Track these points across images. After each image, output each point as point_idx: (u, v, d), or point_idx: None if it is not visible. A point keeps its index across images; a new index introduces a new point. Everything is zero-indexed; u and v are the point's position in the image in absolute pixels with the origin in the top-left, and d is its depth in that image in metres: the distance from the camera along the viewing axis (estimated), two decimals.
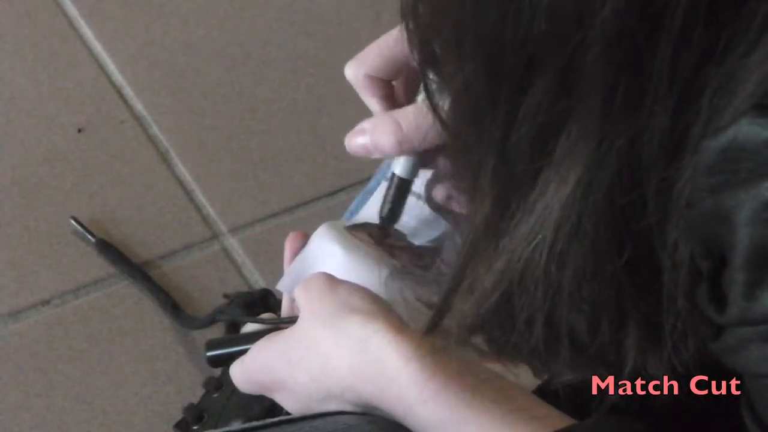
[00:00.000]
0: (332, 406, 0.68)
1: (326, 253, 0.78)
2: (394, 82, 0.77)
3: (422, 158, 0.76)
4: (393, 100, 0.76)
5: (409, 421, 0.65)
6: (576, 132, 0.48)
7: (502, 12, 0.47)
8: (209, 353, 0.78)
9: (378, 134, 0.73)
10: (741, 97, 0.45)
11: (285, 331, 0.72)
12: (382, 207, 0.77)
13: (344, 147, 0.76)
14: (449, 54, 0.52)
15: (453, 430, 0.63)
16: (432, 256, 0.80)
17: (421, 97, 0.74)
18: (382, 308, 0.68)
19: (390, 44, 0.75)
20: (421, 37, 0.54)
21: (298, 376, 0.69)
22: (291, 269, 0.80)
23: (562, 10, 0.45)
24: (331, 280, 0.70)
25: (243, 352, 0.74)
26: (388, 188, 0.77)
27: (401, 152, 0.75)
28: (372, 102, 0.76)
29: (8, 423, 1.11)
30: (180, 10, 1.50)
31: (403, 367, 0.64)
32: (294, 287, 0.79)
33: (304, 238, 0.81)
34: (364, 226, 0.81)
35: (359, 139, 0.74)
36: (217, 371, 1.03)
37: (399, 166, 0.76)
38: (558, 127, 0.48)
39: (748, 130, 0.45)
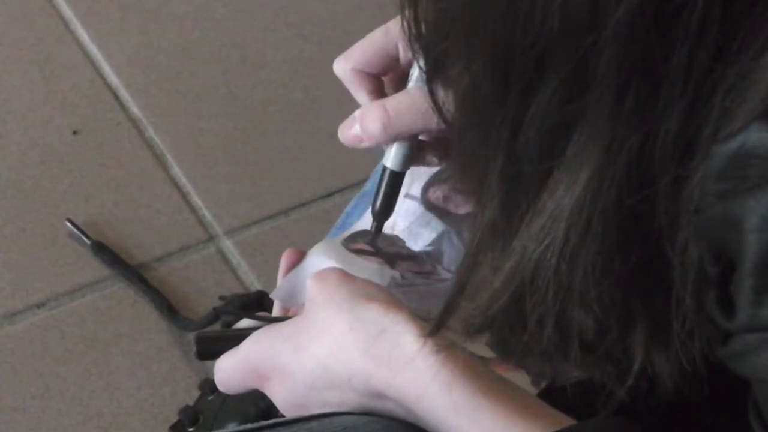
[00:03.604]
0: (332, 397, 0.68)
1: (324, 267, 0.78)
2: (383, 78, 0.77)
3: (413, 150, 0.75)
4: (382, 94, 0.76)
5: (420, 405, 0.64)
6: (587, 133, 0.48)
7: (513, 12, 0.47)
8: (199, 345, 0.77)
9: (366, 121, 0.73)
10: (752, 101, 0.45)
11: (292, 318, 0.72)
12: (374, 202, 0.77)
13: (340, 148, 0.76)
14: (456, 54, 0.51)
15: (466, 416, 0.63)
16: (432, 262, 0.79)
17: (411, 84, 0.74)
18: (398, 301, 0.68)
19: (377, 39, 0.75)
20: (425, 40, 0.54)
21: (304, 361, 0.68)
22: (287, 280, 0.80)
23: (576, 10, 0.45)
24: (346, 273, 0.71)
25: (234, 345, 0.73)
26: (380, 182, 0.77)
27: (388, 138, 0.74)
28: (361, 95, 0.76)
29: (4, 425, 1.11)
30: (176, 13, 1.50)
31: (421, 351, 0.64)
32: (288, 297, 0.79)
33: (301, 255, 0.81)
34: (361, 234, 0.81)
35: (351, 129, 0.75)
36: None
37: (389, 159, 0.76)
38: (568, 127, 0.48)
39: (758, 136, 0.45)
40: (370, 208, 0.82)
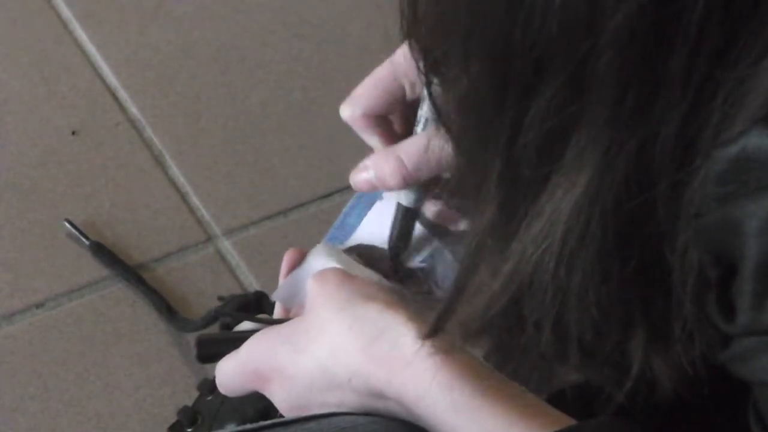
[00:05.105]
0: (331, 398, 0.68)
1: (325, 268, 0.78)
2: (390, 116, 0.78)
3: (426, 187, 0.77)
4: (392, 135, 0.77)
5: (420, 405, 0.64)
6: (585, 137, 0.48)
7: (512, 15, 0.47)
8: (200, 348, 0.78)
9: (382, 172, 0.74)
10: (752, 106, 0.45)
11: (291, 320, 0.72)
12: (391, 236, 0.78)
13: (339, 149, 0.76)
14: (454, 58, 0.51)
15: (465, 415, 0.63)
16: (426, 278, 0.80)
17: (419, 127, 0.75)
18: (398, 300, 0.68)
19: (381, 80, 0.76)
20: (423, 43, 0.54)
21: (303, 362, 0.68)
22: (287, 281, 0.80)
23: (574, 15, 0.45)
24: (347, 273, 0.71)
25: (235, 347, 0.73)
26: (395, 218, 0.78)
27: (407, 187, 0.76)
28: (373, 141, 0.77)
29: (2, 426, 1.11)
30: (174, 13, 1.50)
31: (421, 351, 0.64)
32: (289, 298, 0.79)
33: (302, 255, 0.81)
34: (362, 250, 0.81)
35: (363, 175, 0.75)
36: (213, 374, 1.03)
37: (403, 197, 0.77)
38: (566, 131, 0.48)
39: (758, 140, 0.45)
40: (368, 210, 0.82)
